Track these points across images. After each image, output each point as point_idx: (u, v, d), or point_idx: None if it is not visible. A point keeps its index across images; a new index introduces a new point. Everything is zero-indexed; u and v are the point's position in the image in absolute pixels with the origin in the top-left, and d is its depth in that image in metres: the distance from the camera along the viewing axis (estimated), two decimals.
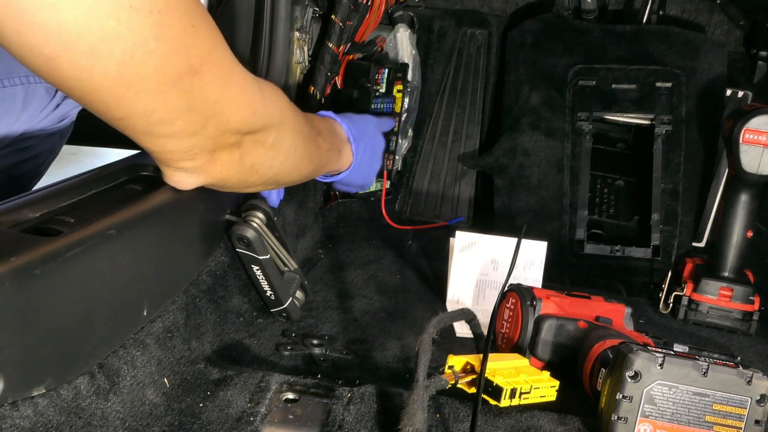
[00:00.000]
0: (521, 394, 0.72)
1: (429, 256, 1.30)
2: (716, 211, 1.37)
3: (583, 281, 1.27)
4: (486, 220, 1.43)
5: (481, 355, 0.72)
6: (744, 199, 1.13)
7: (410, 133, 1.49)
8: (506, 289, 0.91)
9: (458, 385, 0.72)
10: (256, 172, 0.72)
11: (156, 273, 0.73)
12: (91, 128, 0.68)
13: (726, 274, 1.13)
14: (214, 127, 0.62)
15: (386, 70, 1.33)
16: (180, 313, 0.77)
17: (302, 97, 1.25)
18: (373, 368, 0.88)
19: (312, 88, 1.24)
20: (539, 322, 0.85)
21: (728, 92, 1.40)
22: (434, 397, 0.72)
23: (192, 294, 0.80)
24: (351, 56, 1.33)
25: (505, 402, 0.71)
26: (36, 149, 1.11)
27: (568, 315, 0.86)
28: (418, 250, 1.33)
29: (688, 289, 1.15)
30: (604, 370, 0.72)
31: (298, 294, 0.97)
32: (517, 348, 0.87)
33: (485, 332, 0.82)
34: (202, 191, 0.72)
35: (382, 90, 1.33)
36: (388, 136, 1.43)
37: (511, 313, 0.90)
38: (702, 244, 1.39)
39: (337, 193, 1.38)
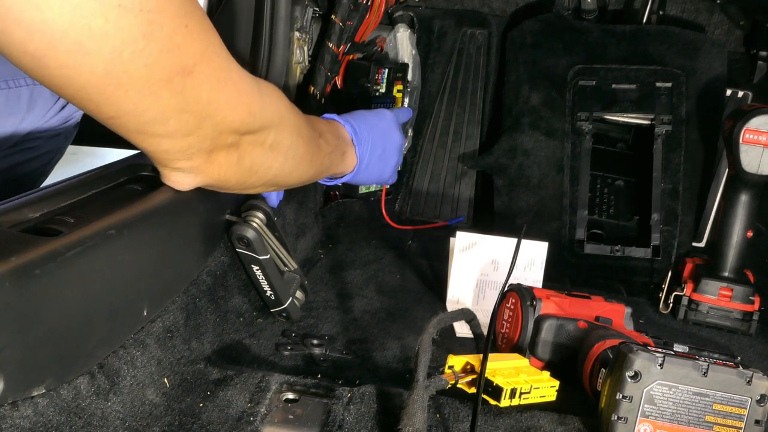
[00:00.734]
0: (521, 394, 0.72)
1: (429, 256, 1.30)
2: (716, 211, 1.37)
3: (583, 281, 1.27)
4: (486, 220, 1.43)
5: (481, 355, 0.72)
6: (744, 199, 1.13)
7: (410, 133, 1.49)
8: (506, 289, 0.91)
9: (458, 385, 0.72)
10: (255, 173, 0.72)
11: (156, 273, 0.73)
12: (92, 129, 0.68)
13: (726, 274, 1.13)
14: (210, 127, 0.61)
15: (386, 70, 1.33)
16: (180, 313, 0.77)
17: (302, 97, 1.25)
18: (373, 368, 0.88)
19: (312, 88, 1.24)
20: (539, 322, 0.85)
21: (728, 92, 1.40)
22: (434, 397, 0.72)
23: (192, 294, 0.80)
24: (351, 56, 1.33)
25: (505, 402, 0.71)
26: (41, 149, 1.11)
27: (568, 315, 0.86)
28: (418, 250, 1.33)
29: (688, 289, 1.15)
30: (604, 370, 0.72)
31: (298, 294, 0.97)
32: (517, 348, 0.87)
33: (485, 332, 0.82)
34: (201, 191, 0.72)
35: (382, 90, 1.33)
36: (406, 126, 1.41)
37: (511, 313, 0.90)
38: (702, 244, 1.39)
39: (337, 193, 1.38)
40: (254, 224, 0.87)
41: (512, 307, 0.90)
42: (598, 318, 0.86)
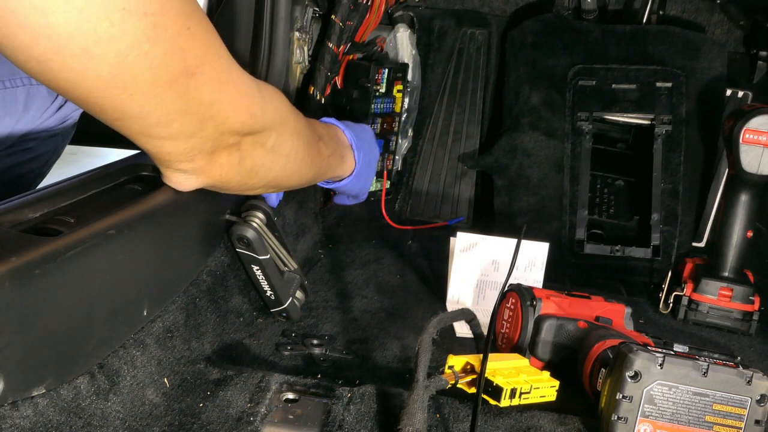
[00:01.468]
0: (521, 394, 0.72)
1: (429, 256, 1.30)
2: (716, 211, 1.37)
3: (583, 281, 1.27)
4: (486, 220, 1.43)
5: (481, 355, 0.72)
6: (744, 199, 1.13)
7: (410, 133, 1.49)
8: (506, 289, 0.91)
9: (458, 385, 0.72)
10: (255, 174, 0.72)
11: (156, 273, 0.73)
12: (92, 129, 0.68)
13: (726, 274, 1.13)
14: (212, 128, 0.62)
15: (386, 70, 1.33)
16: (180, 313, 0.77)
17: (302, 97, 1.25)
18: (373, 368, 0.88)
19: (312, 88, 1.24)
20: (539, 322, 0.85)
21: (728, 92, 1.40)
22: (434, 397, 0.72)
23: (192, 294, 0.80)
24: (351, 56, 1.33)
25: (505, 402, 0.71)
26: (38, 150, 1.11)
27: (568, 315, 0.86)
28: (418, 250, 1.33)
29: (688, 289, 1.15)
30: (604, 370, 0.72)
31: (298, 294, 0.97)
32: (517, 348, 0.87)
33: (485, 332, 0.82)
34: (202, 191, 0.72)
35: (382, 90, 1.33)
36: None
37: (511, 313, 0.90)
38: (702, 244, 1.39)
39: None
40: (254, 224, 0.87)
41: (512, 307, 0.90)
42: (598, 318, 0.86)
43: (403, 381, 0.83)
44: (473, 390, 0.72)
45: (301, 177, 0.83)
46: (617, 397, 0.66)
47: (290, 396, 0.74)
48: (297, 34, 1.21)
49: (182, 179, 0.67)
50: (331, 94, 1.30)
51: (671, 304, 1.16)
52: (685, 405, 0.66)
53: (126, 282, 0.68)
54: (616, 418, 0.66)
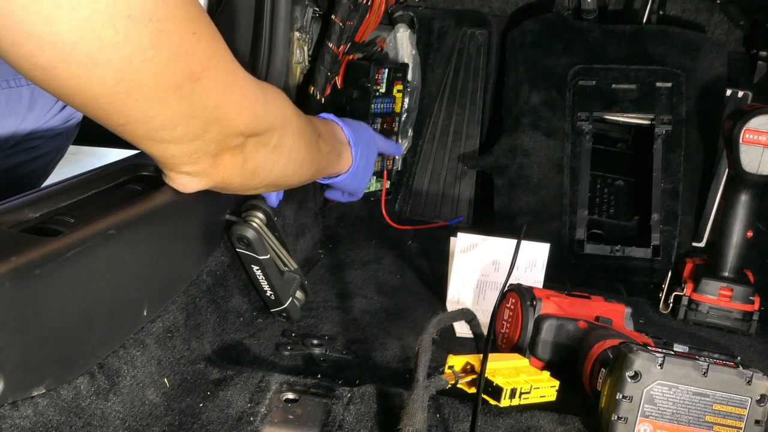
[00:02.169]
0: (521, 394, 0.72)
1: (429, 256, 1.30)
2: (716, 211, 1.37)
3: (583, 281, 1.27)
4: (486, 220, 1.43)
5: (481, 355, 0.72)
6: (744, 199, 1.13)
7: (410, 133, 1.49)
8: (506, 289, 0.91)
9: (458, 385, 0.72)
10: (258, 175, 0.72)
11: (156, 273, 0.73)
12: (94, 129, 0.68)
13: (726, 274, 1.13)
14: (216, 131, 0.62)
15: (386, 70, 1.33)
16: (180, 313, 0.77)
17: (302, 97, 1.25)
18: (373, 368, 0.88)
19: (312, 88, 1.24)
20: (539, 322, 0.85)
21: (728, 92, 1.40)
22: (434, 397, 0.72)
23: (192, 294, 0.80)
24: (351, 56, 1.33)
25: (505, 402, 0.71)
26: (42, 149, 1.11)
27: (568, 315, 0.86)
28: (418, 250, 1.33)
29: (688, 289, 1.15)
30: (604, 370, 0.72)
31: (298, 294, 0.97)
32: (517, 348, 0.87)
33: (485, 332, 0.82)
34: (202, 191, 0.72)
35: (382, 90, 1.33)
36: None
37: (511, 313, 0.90)
38: (702, 244, 1.39)
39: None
40: (254, 224, 0.87)
41: (512, 307, 0.90)
42: (598, 318, 0.86)
43: (403, 381, 0.83)
44: (473, 390, 0.72)
45: (302, 176, 0.84)
46: (617, 397, 0.66)
47: (290, 396, 0.74)
48: (297, 34, 1.21)
49: (186, 181, 0.67)
50: (331, 94, 1.30)
51: (671, 304, 1.16)
52: (685, 405, 0.66)
53: (126, 282, 0.68)
54: (616, 418, 0.66)
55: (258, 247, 0.87)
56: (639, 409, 0.66)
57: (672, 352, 0.68)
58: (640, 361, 0.66)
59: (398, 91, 1.36)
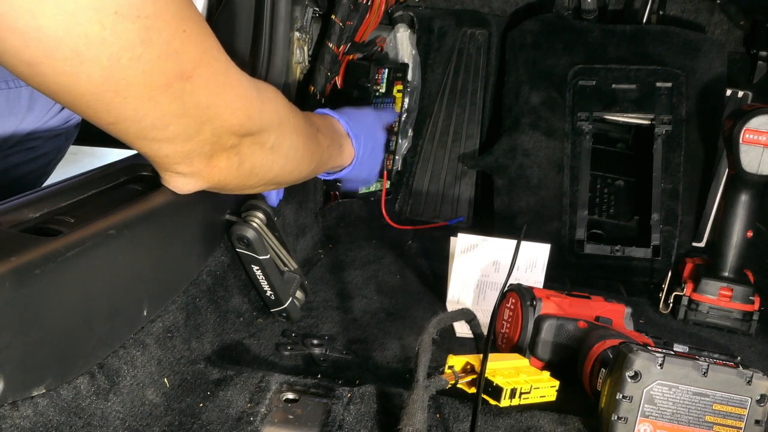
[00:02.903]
0: (521, 394, 0.72)
1: (429, 256, 1.30)
2: (716, 211, 1.37)
3: (583, 281, 1.27)
4: (486, 220, 1.43)
5: (481, 355, 0.72)
6: (744, 199, 1.13)
7: (410, 133, 1.49)
8: (506, 289, 0.91)
9: (458, 385, 0.72)
10: (255, 175, 0.72)
11: (156, 273, 0.73)
12: (93, 129, 0.68)
13: (726, 274, 1.13)
14: (210, 131, 0.61)
15: (386, 70, 1.33)
16: (180, 313, 0.77)
17: (302, 97, 1.25)
18: (373, 368, 0.88)
19: (312, 88, 1.24)
20: (539, 322, 0.85)
21: (728, 92, 1.40)
22: (434, 397, 0.72)
23: (192, 294, 0.80)
24: (351, 56, 1.33)
25: (505, 402, 0.71)
26: (42, 149, 1.11)
27: (568, 315, 0.86)
28: (418, 250, 1.33)
29: (688, 289, 1.15)
30: (604, 370, 0.72)
31: (298, 294, 0.97)
32: (517, 348, 0.87)
33: (485, 332, 0.82)
34: (202, 191, 0.72)
35: (382, 90, 1.33)
36: (389, 130, 1.43)
37: (511, 313, 0.90)
38: (702, 244, 1.39)
39: (338, 193, 1.38)
40: (254, 224, 0.87)
41: (512, 307, 0.90)
42: (598, 318, 0.86)
43: (403, 381, 0.83)
44: (473, 390, 0.72)
45: (302, 172, 0.83)
46: (617, 397, 0.66)
47: (290, 396, 0.74)
48: (297, 34, 1.21)
49: (181, 182, 0.67)
50: (331, 94, 1.30)
51: (671, 304, 1.16)
52: (685, 405, 0.66)
53: (126, 282, 0.68)
54: (616, 418, 0.66)
55: (258, 247, 0.87)
56: (639, 409, 0.66)
57: (672, 352, 0.68)
58: (640, 361, 0.66)
59: (398, 91, 1.36)
